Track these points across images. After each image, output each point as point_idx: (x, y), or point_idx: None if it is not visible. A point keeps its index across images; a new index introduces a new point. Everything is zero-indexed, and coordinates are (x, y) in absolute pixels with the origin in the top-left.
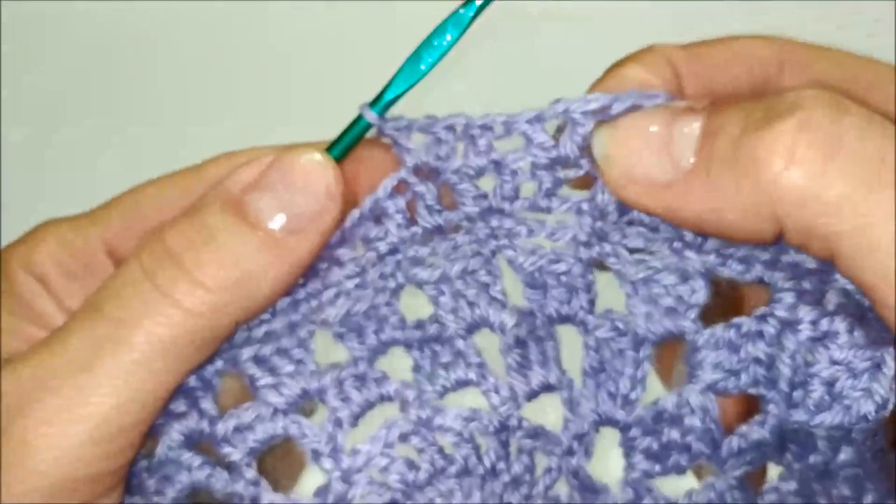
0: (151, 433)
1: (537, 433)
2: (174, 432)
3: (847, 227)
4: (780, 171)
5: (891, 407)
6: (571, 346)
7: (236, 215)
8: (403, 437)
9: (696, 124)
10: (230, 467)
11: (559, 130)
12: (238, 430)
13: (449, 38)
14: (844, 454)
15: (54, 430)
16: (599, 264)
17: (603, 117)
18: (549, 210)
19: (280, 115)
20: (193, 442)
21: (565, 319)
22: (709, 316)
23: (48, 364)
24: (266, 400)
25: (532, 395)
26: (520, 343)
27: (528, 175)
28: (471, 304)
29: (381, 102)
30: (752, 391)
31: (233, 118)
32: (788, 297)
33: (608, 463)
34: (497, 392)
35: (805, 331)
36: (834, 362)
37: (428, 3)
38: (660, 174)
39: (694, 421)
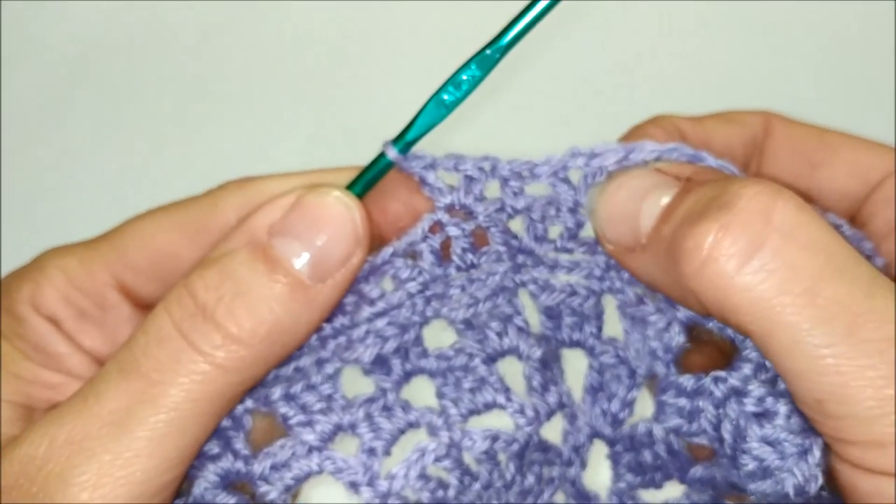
0: (186, 475)
1: (546, 447)
2: (209, 473)
3: (755, 328)
4: (698, 267)
5: (813, 489)
6: (568, 363)
7: (265, 263)
8: (437, 460)
9: (665, 200)
10: None
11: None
12: (274, 468)
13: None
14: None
15: (97, 495)
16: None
17: (618, 167)
18: (571, 251)
19: (280, 116)
20: (228, 482)
21: (576, 344)
22: (694, 357)
23: (83, 426)
24: (300, 438)
25: (551, 414)
26: (544, 367)
27: (554, 218)
28: (499, 335)
29: (403, 140)
30: (707, 443)
31: (233, 118)
32: (746, 369)
33: (598, 472)
34: (523, 413)
35: (749, 404)
36: (766, 441)
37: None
38: (625, 240)
39: (661, 450)
